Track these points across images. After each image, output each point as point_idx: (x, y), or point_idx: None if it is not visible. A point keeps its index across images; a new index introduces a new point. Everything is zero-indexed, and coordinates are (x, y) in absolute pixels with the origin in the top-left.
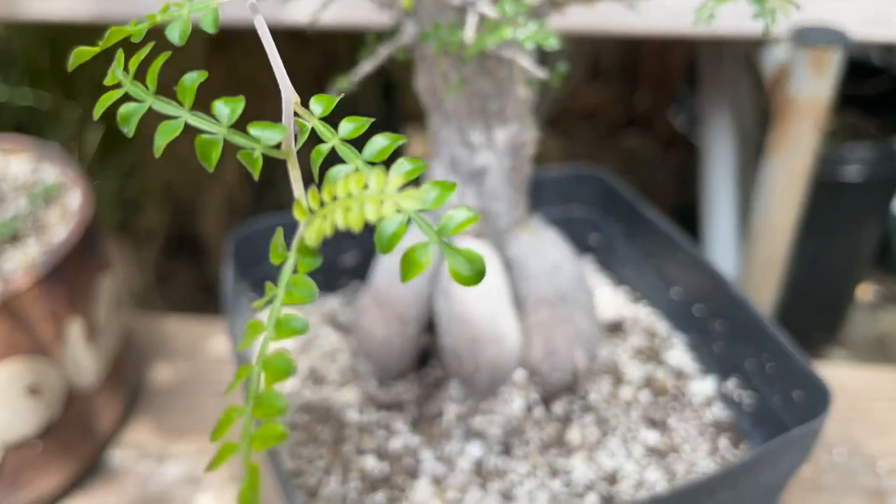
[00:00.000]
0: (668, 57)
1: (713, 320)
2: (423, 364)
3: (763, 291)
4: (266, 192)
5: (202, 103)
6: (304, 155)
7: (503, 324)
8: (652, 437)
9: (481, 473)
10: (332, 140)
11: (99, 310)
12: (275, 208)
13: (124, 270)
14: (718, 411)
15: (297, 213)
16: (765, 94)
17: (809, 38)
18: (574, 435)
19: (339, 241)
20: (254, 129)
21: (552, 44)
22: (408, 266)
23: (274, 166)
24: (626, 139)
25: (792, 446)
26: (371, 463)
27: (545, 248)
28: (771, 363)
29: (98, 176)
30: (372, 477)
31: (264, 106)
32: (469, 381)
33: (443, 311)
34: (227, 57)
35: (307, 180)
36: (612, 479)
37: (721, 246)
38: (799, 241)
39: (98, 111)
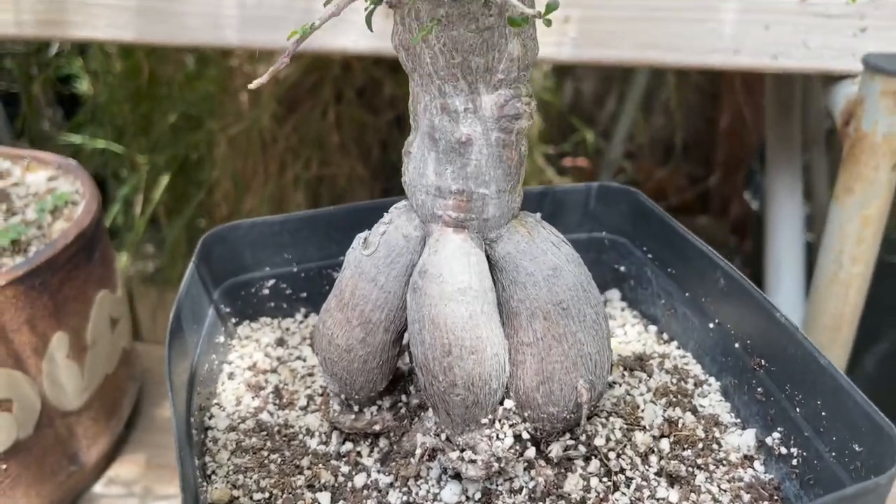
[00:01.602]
0: (741, 139)
1: (757, 360)
2: (403, 387)
3: (831, 354)
4: None
5: (272, 154)
6: None
7: (485, 332)
8: (672, 496)
9: None
10: None
11: (88, 327)
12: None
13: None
14: (759, 469)
15: None
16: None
17: (884, 65)
18: (573, 485)
19: (333, 251)
20: None
21: None
22: None
23: None
24: (698, 222)
25: None
26: (324, 501)
27: (543, 249)
28: (827, 410)
29: (164, 221)
30: None
31: (330, 161)
32: (443, 402)
33: (413, 313)
34: (297, 113)
35: None
36: None
37: (784, 303)
38: (875, 295)
39: None
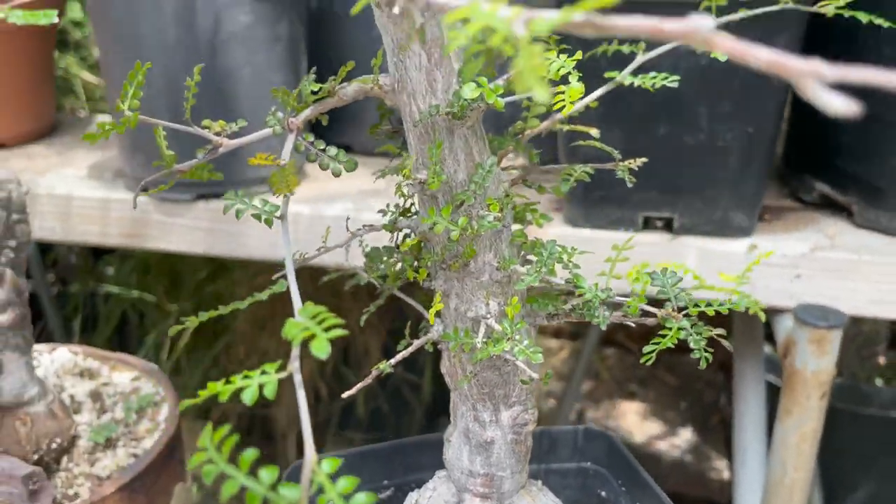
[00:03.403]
0: None
1: None
2: None
3: None
4: (342, 379)
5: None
6: None
7: None
8: None
9: None
10: None
11: None
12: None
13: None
14: None
15: None
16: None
17: (810, 318)
18: None
19: (385, 484)
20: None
21: (538, 359)
22: None
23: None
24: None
25: None
26: None
27: None
28: None
29: (187, 365)
30: None
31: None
32: None
33: None
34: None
35: None
36: None
37: (748, 501)
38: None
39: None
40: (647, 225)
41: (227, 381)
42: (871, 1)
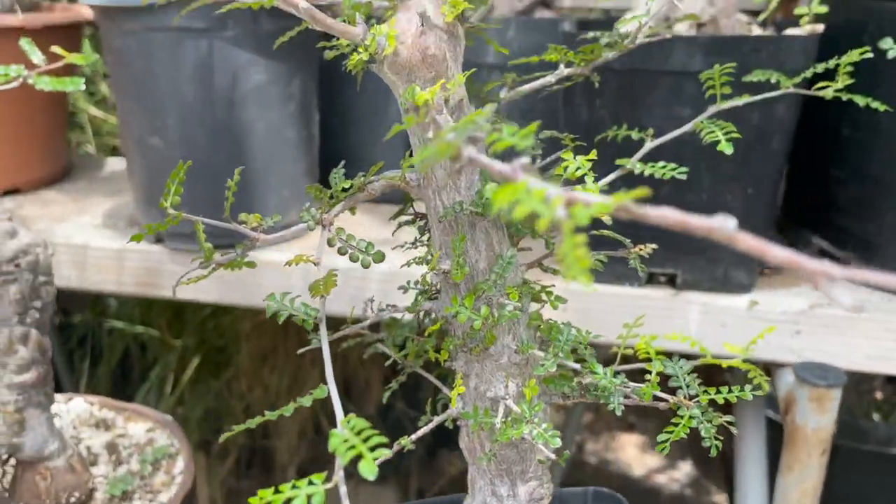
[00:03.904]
0: None
1: None
2: None
3: None
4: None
5: (292, 332)
6: None
7: None
8: None
9: None
10: None
11: None
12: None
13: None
14: None
15: None
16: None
17: (810, 376)
18: None
19: None
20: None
21: (556, 443)
22: None
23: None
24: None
25: None
26: None
27: None
28: None
29: (191, 398)
30: None
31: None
32: None
33: None
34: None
35: None
36: None
37: None
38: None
39: None
40: (652, 280)
41: (277, 491)
42: (867, 81)
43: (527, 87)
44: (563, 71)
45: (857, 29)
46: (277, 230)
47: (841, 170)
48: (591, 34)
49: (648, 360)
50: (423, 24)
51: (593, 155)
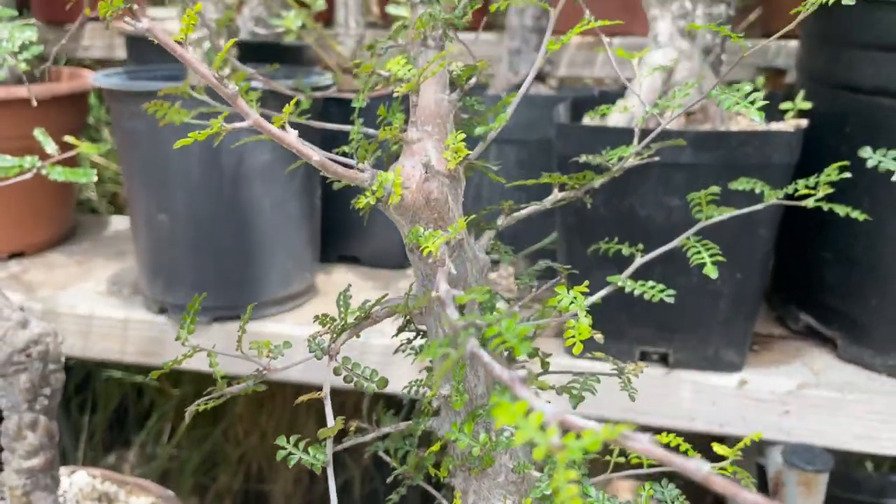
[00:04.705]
0: None
1: None
2: None
3: None
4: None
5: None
6: None
7: None
8: None
9: None
10: None
11: None
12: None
13: None
14: None
15: None
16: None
17: (798, 461)
18: None
19: None
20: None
21: None
22: None
23: None
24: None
25: None
26: None
27: None
28: None
29: (187, 448)
30: None
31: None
32: None
33: None
34: None
35: None
36: None
37: None
38: None
39: None
40: (644, 358)
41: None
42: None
43: (523, 212)
44: (557, 195)
45: (838, 120)
46: (282, 302)
47: (828, 251)
48: (583, 158)
49: (640, 465)
50: (426, 172)
51: (585, 287)
